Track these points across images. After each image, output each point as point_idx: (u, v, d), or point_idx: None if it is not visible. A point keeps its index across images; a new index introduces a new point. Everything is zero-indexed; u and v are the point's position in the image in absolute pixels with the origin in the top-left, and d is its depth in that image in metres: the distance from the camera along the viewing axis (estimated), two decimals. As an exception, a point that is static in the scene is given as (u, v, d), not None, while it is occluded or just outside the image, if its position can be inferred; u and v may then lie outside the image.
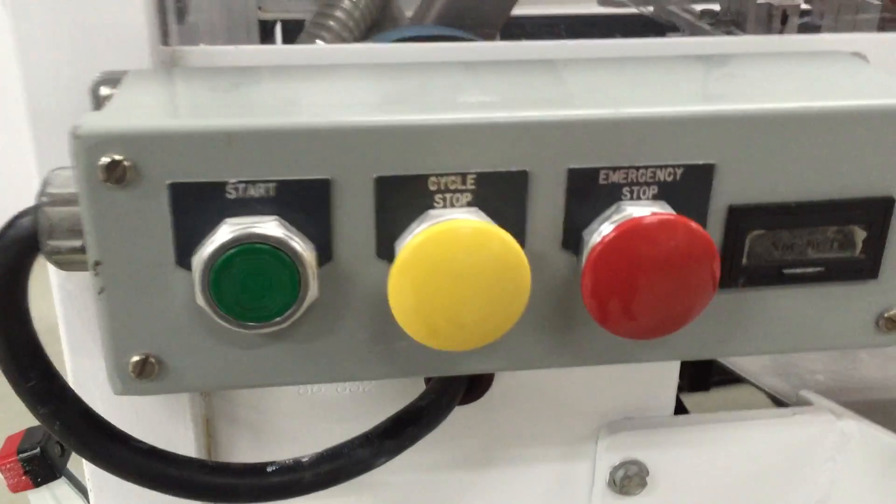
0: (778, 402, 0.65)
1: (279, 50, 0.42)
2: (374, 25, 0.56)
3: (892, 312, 0.38)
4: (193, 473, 0.43)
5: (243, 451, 0.52)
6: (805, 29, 0.48)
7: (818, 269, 0.37)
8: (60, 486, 0.60)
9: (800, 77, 0.39)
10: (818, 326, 0.38)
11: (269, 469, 0.44)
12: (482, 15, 0.53)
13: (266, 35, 0.86)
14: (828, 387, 0.62)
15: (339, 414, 0.52)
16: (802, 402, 0.57)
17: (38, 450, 0.59)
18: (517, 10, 0.60)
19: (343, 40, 0.57)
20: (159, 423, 0.49)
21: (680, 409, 0.61)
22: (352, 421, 0.48)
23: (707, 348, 0.38)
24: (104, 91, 0.39)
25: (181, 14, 0.42)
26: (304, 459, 0.44)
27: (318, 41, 0.51)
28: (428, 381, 0.48)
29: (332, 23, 0.56)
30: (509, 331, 0.35)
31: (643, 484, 0.54)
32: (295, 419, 0.52)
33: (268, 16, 0.85)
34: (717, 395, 0.94)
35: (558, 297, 0.36)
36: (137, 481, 0.41)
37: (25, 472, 0.60)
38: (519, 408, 0.53)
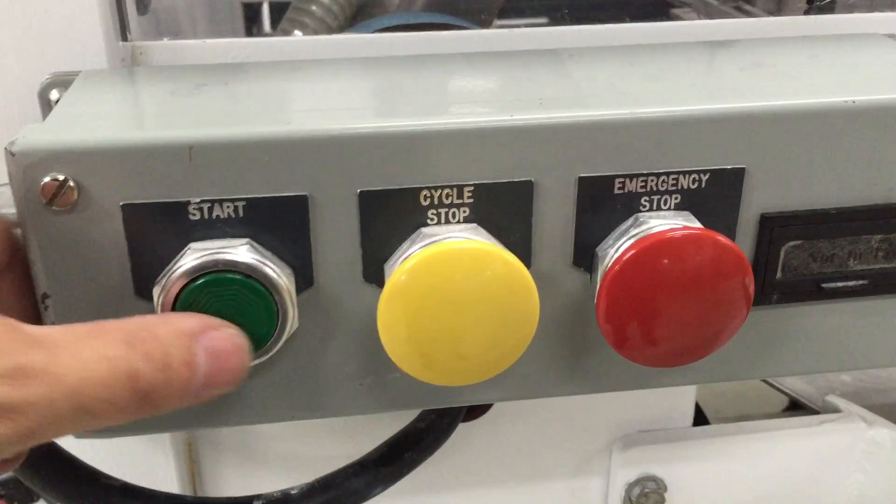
0: (797, 404, 0.61)
1: (252, 43, 0.38)
2: (360, 11, 0.52)
3: (941, 327, 0.34)
4: (171, 512, 0.39)
5: (230, 477, 0.48)
6: (831, 7, 0.44)
7: (861, 282, 0.33)
8: (39, 510, 0.57)
9: (834, 66, 0.35)
10: (861, 344, 0.34)
11: (256, 503, 0.40)
12: (477, -2, 0.49)
13: (252, 20, 0.81)
14: (854, 389, 0.58)
15: (332, 436, 0.48)
16: (830, 409, 0.53)
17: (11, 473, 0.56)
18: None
19: (327, 27, 0.53)
20: (137, 450, 0.45)
21: (699, 416, 0.57)
22: (346, 443, 0.45)
23: (737, 371, 0.34)
24: (55, 95, 0.35)
25: (142, 3, 0.38)
26: (293, 491, 0.41)
27: (297, 31, 0.47)
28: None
29: (314, 8, 0.52)
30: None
31: (661, 501, 0.50)
32: (284, 442, 0.48)
33: (253, -2, 0.80)
34: (728, 386, 0.91)
35: (569, 321, 0.32)
36: (109, 523, 0.38)
37: (1, 497, 0.57)
38: (525, 422, 0.50)
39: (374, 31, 0.41)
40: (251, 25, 0.82)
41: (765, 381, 0.66)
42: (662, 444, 0.50)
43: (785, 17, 0.42)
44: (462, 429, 0.46)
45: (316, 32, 0.52)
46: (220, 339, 0.27)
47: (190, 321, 0.27)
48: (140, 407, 0.25)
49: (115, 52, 0.36)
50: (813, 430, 0.51)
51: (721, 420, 0.58)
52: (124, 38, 0.37)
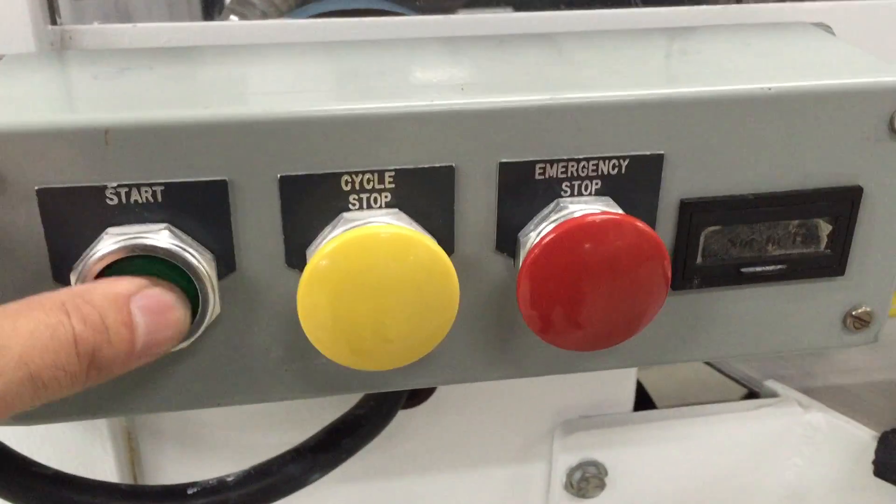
0: (754, 395, 0.62)
1: (183, 28, 0.37)
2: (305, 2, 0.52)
3: (860, 310, 0.35)
4: (105, 500, 0.39)
5: (170, 465, 0.48)
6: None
7: (780, 266, 0.33)
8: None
9: (758, 53, 0.35)
10: (781, 328, 0.35)
11: (190, 491, 0.40)
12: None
13: (210, 8, 0.81)
14: (789, 373, 0.59)
15: (276, 424, 0.48)
16: (769, 394, 0.54)
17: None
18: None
19: (268, 16, 0.52)
20: (76, 440, 0.45)
21: (644, 399, 0.58)
22: (291, 431, 0.45)
23: (661, 354, 0.35)
24: (-21, 80, 0.34)
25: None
26: (229, 479, 0.41)
27: (233, 18, 0.47)
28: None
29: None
30: (441, 344, 0.31)
31: (602, 485, 0.51)
32: (227, 430, 0.48)
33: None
34: (687, 376, 0.92)
35: (494, 305, 0.32)
36: (41, 511, 0.38)
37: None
38: (467, 409, 0.50)
39: (309, 17, 0.41)
40: (209, 15, 0.81)
41: (722, 372, 0.67)
42: (603, 429, 0.50)
43: (720, 5, 0.42)
44: (403, 416, 0.46)
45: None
46: (154, 295, 0.27)
47: (121, 283, 0.27)
48: (89, 372, 0.25)
49: (43, 36, 0.36)
50: (751, 415, 0.51)
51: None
52: (53, 21, 0.37)
